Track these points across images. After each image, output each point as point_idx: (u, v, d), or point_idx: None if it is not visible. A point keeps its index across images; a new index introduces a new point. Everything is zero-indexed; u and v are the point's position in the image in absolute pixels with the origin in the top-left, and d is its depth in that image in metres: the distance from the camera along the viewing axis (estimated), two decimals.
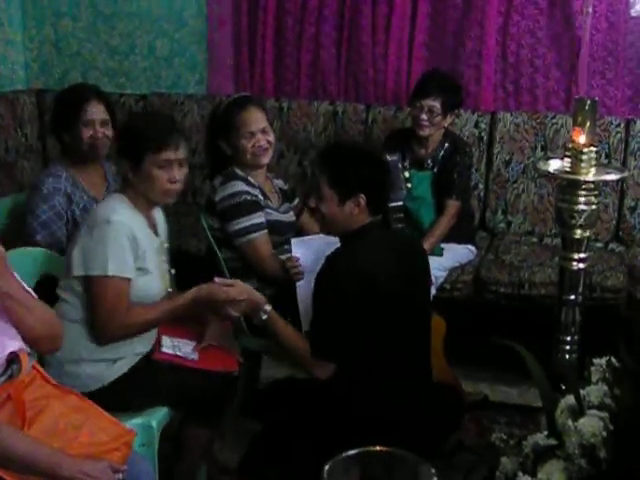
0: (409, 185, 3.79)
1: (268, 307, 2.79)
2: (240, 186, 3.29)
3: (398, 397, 2.63)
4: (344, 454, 1.25)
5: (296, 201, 3.60)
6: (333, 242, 2.87)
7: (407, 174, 3.80)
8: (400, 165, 3.58)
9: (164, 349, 2.82)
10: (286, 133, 4.59)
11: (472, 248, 4.05)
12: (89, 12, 5.06)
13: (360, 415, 2.56)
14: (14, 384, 2.16)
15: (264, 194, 3.37)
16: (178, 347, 2.85)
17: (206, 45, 4.93)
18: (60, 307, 2.70)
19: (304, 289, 3.10)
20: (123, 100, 4.82)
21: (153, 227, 2.87)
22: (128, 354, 2.74)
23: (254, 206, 3.29)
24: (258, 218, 3.28)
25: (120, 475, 2.12)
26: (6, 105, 4.65)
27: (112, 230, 2.65)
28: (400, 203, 3.29)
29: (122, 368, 2.72)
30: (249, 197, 3.28)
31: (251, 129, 3.32)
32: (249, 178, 3.34)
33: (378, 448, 1.26)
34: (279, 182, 3.57)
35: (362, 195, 2.71)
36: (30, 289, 2.49)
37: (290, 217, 3.47)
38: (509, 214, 4.40)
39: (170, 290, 2.89)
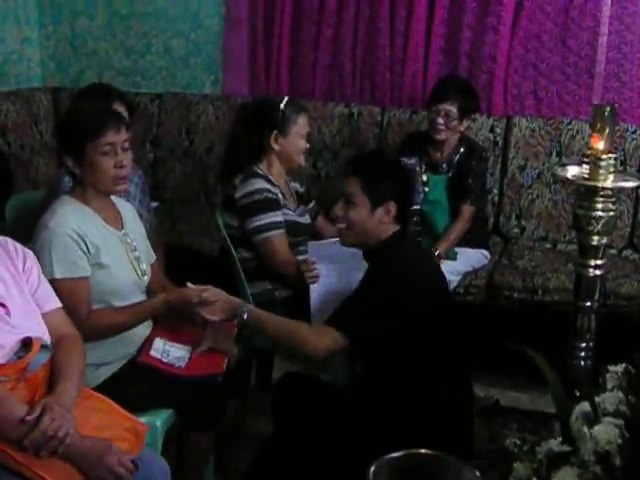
0: (426, 189, 3.79)
1: (246, 307, 2.74)
2: (261, 184, 3.31)
3: (442, 400, 2.60)
4: (389, 456, 1.25)
5: (312, 204, 3.60)
6: (349, 250, 2.88)
7: (425, 177, 3.79)
8: (417, 169, 3.58)
9: (153, 352, 2.76)
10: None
11: (486, 253, 4.04)
12: (105, 11, 5.07)
13: (397, 420, 2.52)
14: (18, 364, 2.19)
15: (283, 194, 3.38)
16: (167, 352, 2.79)
17: (222, 45, 4.94)
18: None
19: (318, 293, 3.09)
20: (138, 99, 4.83)
21: (113, 220, 2.83)
22: (112, 358, 2.72)
23: (274, 204, 3.30)
24: (277, 216, 3.29)
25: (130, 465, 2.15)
26: (22, 102, 4.67)
27: (51, 234, 2.63)
28: (417, 207, 3.29)
29: (106, 373, 2.70)
30: (270, 195, 3.30)
31: (305, 132, 3.45)
32: (270, 177, 3.35)
33: (422, 451, 1.27)
34: (296, 185, 3.57)
35: (392, 203, 2.71)
36: (52, 291, 2.50)
37: (306, 219, 3.48)
38: (523, 219, 4.39)
39: (146, 278, 2.87)
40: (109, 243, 2.75)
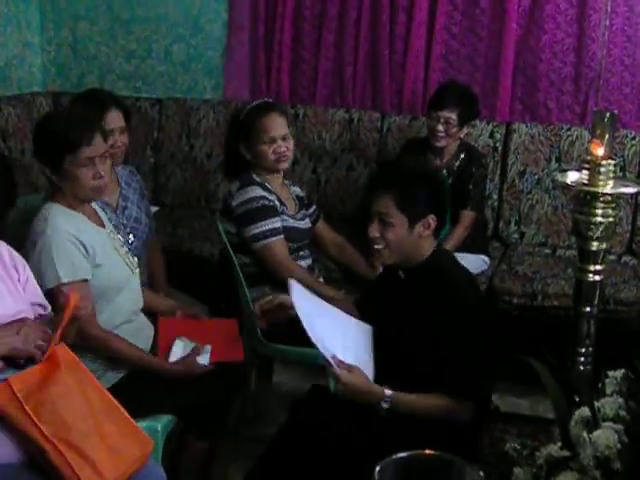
0: None
1: (387, 397, 2.46)
2: (257, 191, 3.30)
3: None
4: (394, 456, 1.26)
5: (313, 208, 3.60)
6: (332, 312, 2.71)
7: None
8: None
9: (172, 357, 2.78)
10: (301, 140, 4.59)
11: (485, 258, 4.05)
12: (106, 16, 5.09)
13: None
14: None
15: (280, 200, 3.37)
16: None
17: (223, 51, 4.95)
18: None
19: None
20: (139, 104, 4.84)
21: (96, 220, 2.84)
22: (119, 364, 2.74)
23: (271, 211, 3.29)
24: (275, 223, 3.28)
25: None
26: (23, 107, 4.67)
27: (50, 240, 2.63)
28: None
29: (115, 377, 2.72)
30: (266, 202, 3.29)
31: (272, 134, 3.31)
32: (266, 184, 3.35)
33: (427, 451, 1.27)
34: (296, 189, 3.57)
35: (432, 216, 2.54)
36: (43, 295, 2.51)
37: (306, 224, 3.48)
38: (523, 225, 4.40)
39: (138, 270, 2.90)
40: (100, 243, 2.76)
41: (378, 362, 2.61)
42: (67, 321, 2.29)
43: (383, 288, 2.80)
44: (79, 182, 2.69)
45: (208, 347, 2.81)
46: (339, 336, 2.58)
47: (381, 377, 2.52)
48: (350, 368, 2.46)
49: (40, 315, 2.44)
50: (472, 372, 2.46)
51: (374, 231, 2.58)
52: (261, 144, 3.32)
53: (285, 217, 3.35)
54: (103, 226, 2.86)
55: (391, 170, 2.73)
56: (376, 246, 2.61)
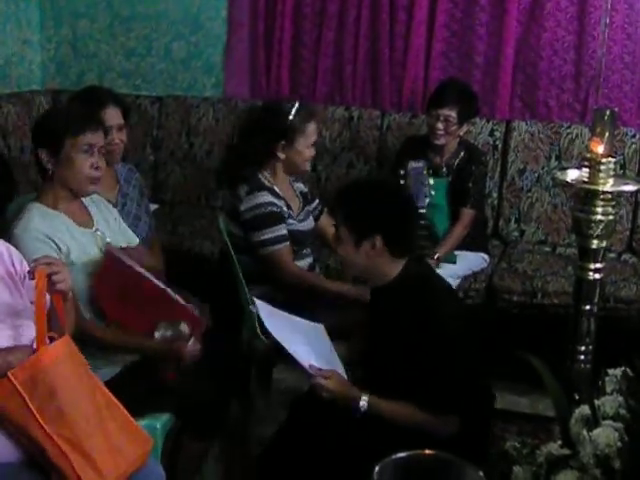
0: (432, 192, 3.75)
1: (364, 399, 2.50)
2: (266, 197, 3.30)
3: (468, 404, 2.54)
4: (393, 456, 1.26)
5: (315, 203, 3.60)
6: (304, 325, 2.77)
7: (432, 181, 3.75)
8: (424, 172, 3.59)
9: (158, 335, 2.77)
10: None
11: (485, 256, 4.05)
12: (106, 14, 5.08)
13: None
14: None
15: (287, 204, 3.38)
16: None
17: (223, 48, 4.95)
18: None
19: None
20: (139, 102, 4.84)
21: (83, 220, 2.83)
22: (114, 360, 2.74)
23: (279, 218, 3.31)
24: (281, 230, 3.30)
25: None
26: (22, 105, 4.67)
27: (19, 240, 2.62)
28: (423, 210, 3.30)
29: (110, 374, 2.70)
30: (275, 209, 3.30)
31: (314, 140, 3.41)
32: (275, 188, 3.35)
33: (427, 451, 1.27)
34: (299, 185, 3.58)
35: (378, 236, 2.50)
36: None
37: (310, 224, 3.48)
38: (522, 223, 4.40)
39: None
40: (80, 242, 2.75)
41: (366, 374, 2.69)
42: (41, 292, 2.20)
43: (372, 315, 2.77)
44: (77, 168, 2.71)
45: (185, 327, 2.79)
46: (308, 343, 2.68)
47: (368, 387, 2.55)
48: (328, 373, 2.54)
49: None
50: (447, 387, 2.46)
51: (333, 242, 2.66)
52: (303, 147, 3.36)
53: (290, 221, 3.35)
54: (90, 226, 2.84)
55: (350, 185, 2.77)
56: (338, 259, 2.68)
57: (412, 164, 3.66)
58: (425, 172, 3.69)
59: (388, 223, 2.53)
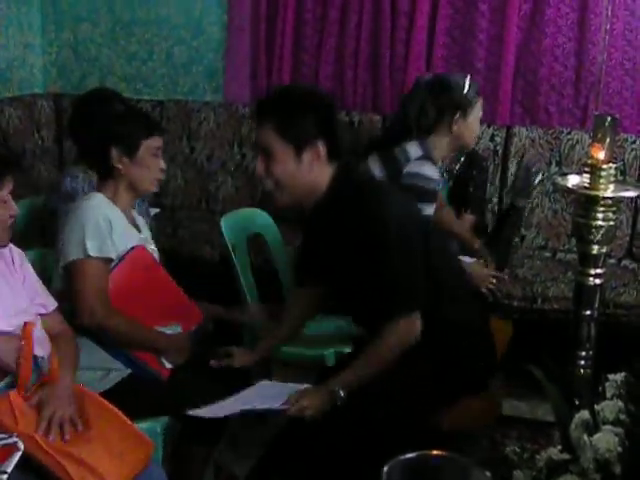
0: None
1: (337, 386, 2.45)
2: (432, 172, 3.30)
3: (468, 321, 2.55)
4: (401, 457, 1.26)
5: None
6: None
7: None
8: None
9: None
10: None
11: None
12: (108, 18, 5.09)
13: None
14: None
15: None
16: None
17: (224, 53, 4.95)
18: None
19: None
20: (140, 106, 4.84)
21: (132, 221, 2.89)
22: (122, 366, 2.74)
23: (431, 197, 3.28)
24: (430, 210, 3.26)
25: None
26: (24, 108, 4.68)
27: (84, 215, 2.69)
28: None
29: (117, 377, 2.71)
30: (432, 186, 3.28)
31: (481, 115, 3.50)
32: (435, 159, 3.37)
33: (435, 452, 1.28)
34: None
35: (321, 141, 2.34)
36: (48, 293, 2.53)
37: None
38: (523, 228, 4.39)
39: None
40: (128, 240, 2.79)
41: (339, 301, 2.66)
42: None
43: (307, 237, 2.70)
44: (148, 170, 2.81)
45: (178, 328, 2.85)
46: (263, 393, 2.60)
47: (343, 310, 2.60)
48: (295, 396, 2.45)
49: (41, 314, 2.45)
50: (403, 284, 2.39)
51: (260, 169, 2.39)
52: (475, 121, 3.42)
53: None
54: (139, 230, 2.91)
55: (270, 98, 2.53)
56: (266, 187, 2.42)
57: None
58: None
59: (327, 125, 2.38)
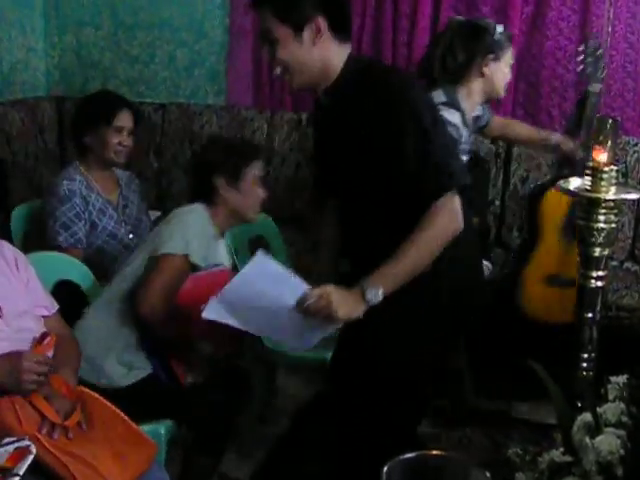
0: None
1: (367, 285, 2.20)
2: (456, 117, 3.26)
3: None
4: (402, 457, 1.27)
5: None
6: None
7: None
8: None
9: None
10: (304, 145, 4.60)
11: (488, 264, 4.04)
12: (110, 21, 5.10)
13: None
14: None
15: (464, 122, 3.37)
16: None
17: (226, 56, 4.96)
18: (98, 305, 2.82)
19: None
20: (142, 109, 4.84)
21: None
22: (144, 364, 2.76)
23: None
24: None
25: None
26: (27, 111, 4.70)
27: (193, 217, 2.78)
28: None
29: (136, 376, 2.73)
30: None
31: (512, 64, 3.46)
32: (463, 106, 3.33)
33: (434, 452, 1.28)
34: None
35: (321, 17, 2.25)
36: (50, 295, 2.54)
37: None
38: (525, 231, 4.40)
39: None
40: (212, 258, 2.86)
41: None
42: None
43: (321, 132, 2.55)
44: (251, 198, 2.91)
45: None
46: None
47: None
48: (321, 292, 2.20)
49: (43, 316, 2.46)
50: (438, 163, 2.25)
51: (268, 56, 2.33)
52: (506, 66, 3.37)
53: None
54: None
55: None
56: (277, 73, 2.33)
57: None
58: None
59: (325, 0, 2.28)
